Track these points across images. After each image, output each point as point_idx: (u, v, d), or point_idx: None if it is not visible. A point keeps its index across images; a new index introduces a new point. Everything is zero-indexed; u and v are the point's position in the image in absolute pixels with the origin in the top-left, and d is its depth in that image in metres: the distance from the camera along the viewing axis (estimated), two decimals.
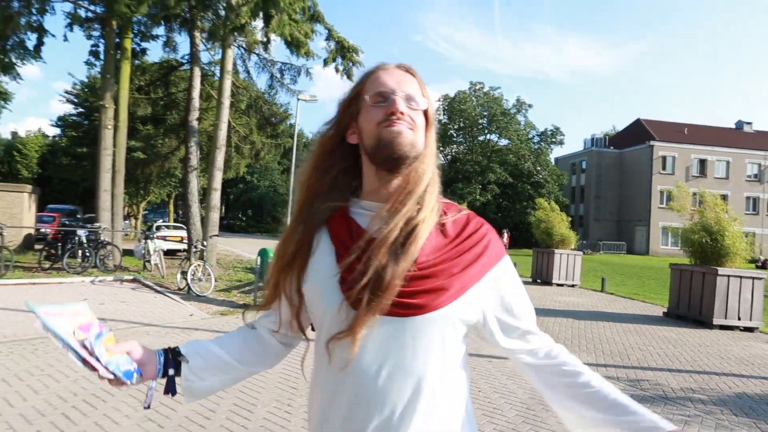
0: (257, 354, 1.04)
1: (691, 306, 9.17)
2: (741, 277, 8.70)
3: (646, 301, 11.85)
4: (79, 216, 26.08)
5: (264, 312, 1.04)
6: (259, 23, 13.69)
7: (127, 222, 28.07)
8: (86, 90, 27.75)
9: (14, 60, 10.47)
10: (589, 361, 5.79)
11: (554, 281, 13.97)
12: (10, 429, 3.32)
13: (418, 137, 0.89)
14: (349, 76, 14.78)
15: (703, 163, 43.00)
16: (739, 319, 8.65)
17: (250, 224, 46.55)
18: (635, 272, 21.28)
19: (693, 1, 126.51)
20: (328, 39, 14.39)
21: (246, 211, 51.45)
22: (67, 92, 28.74)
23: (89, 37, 12.71)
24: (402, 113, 0.87)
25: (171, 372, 0.95)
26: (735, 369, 5.89)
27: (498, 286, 0.92)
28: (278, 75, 17.06)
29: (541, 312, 9.08)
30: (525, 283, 10.40)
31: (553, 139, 40.26)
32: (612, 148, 46.90)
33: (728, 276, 8.67)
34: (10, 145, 39.98)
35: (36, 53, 10.75)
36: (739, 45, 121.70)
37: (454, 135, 40.04)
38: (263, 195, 47.43)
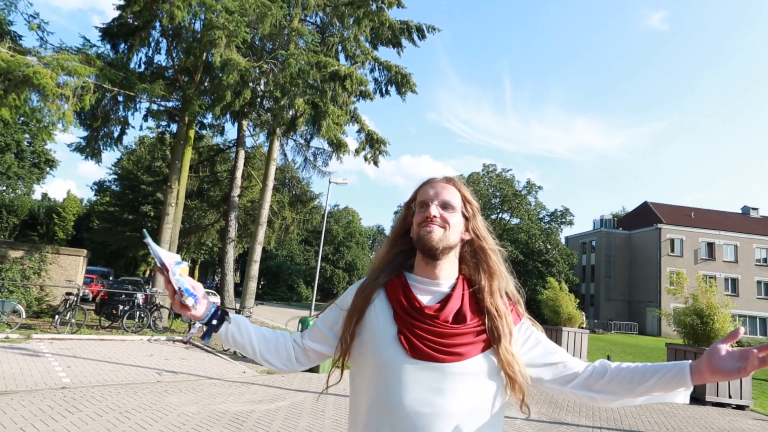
0: (276, 355, 1.25)
1: None
2: None
3: None
4: (112, 278, 27.73)
5: (309, 335, 1.27)
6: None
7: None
8: (130, 161, 30.39)
9: (102, 148, 12.57)
10: (587, 424, 6.85)
11: None
12: None
13: (450, 233, 1.15)
14: (375, 163, 16.71)
15: (711, 246, 43.90)
16: (730, 397, 9.53)
17: (266, 292, 47.63)
18: (644, 352, 21.80)
19: (703, 87, 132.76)
20: (359, 131, 16.49)
21: (260, 278, 52.72)
22: (114, 165, 31.38)
23: (158, 126, 14.88)
24: (435, 216, 1.14)
25: (214, 323, 1.17)
26: None
27: (526, 338, 1.16)
28: (311, 158, 19.15)
29: None
30: None
31: (563, 220, 41.87)
32: (621, 229, 48.23)
33: None
34: (50, 208, 42.65)
35: (118, 141, 12.84)
36: (745, 132, 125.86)
37: None
38: (281, 264, 48.91)
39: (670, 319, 11.32)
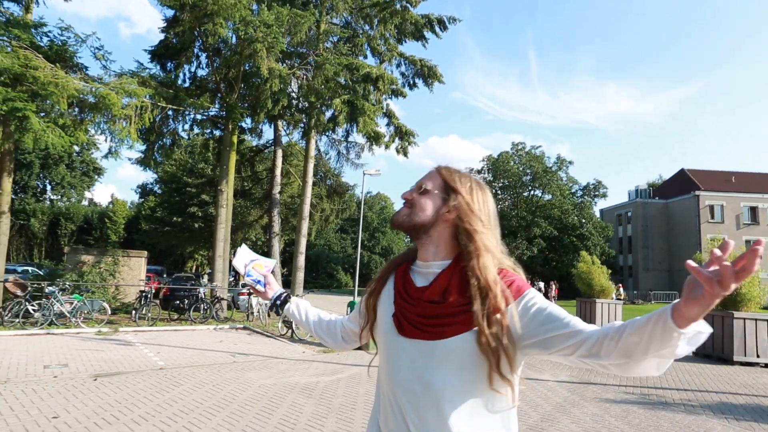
0: (327, 333, 1.54)
1: (714, 346, 10.64)
2: (756, 319, 10.17)
3: None
4: (165, 275, 29.79)
5: (351, 318, 1.49)
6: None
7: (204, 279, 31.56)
8: (173, 165, 32.06)
9: (158, 159, 13.92)
10: (614, 383, 7.61)
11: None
12: (232, 415, 5.68)
13: (414, 213, 1.23)
14: (405, 154, 17.52)
15: (754, 210, 42.75)
16: (758, 356, 10.04)
17: (307, 280, 49.37)
18: None
19: (735, 45, 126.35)
20: (389, 125, 17.30)
21: None
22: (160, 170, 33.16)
23: (202, 134, 16.11)
24: (406, 198, 1.26)
25: (278, 303, 1.59)
26: (736, 389, 7.46)
27: (526, 311, 1.11)
28: (344, 152, 20.10)
29: None
30: None
31: (596, 193, 41.60)
32: (657, 198, 47.40)
33: (744, 319, 10.17)
34: (102, 213, 45.46)
35: (170, 151, 14.14)
36: None
37: (499, 193, 42.23)
38: (319, 252, 50.56)
39: None
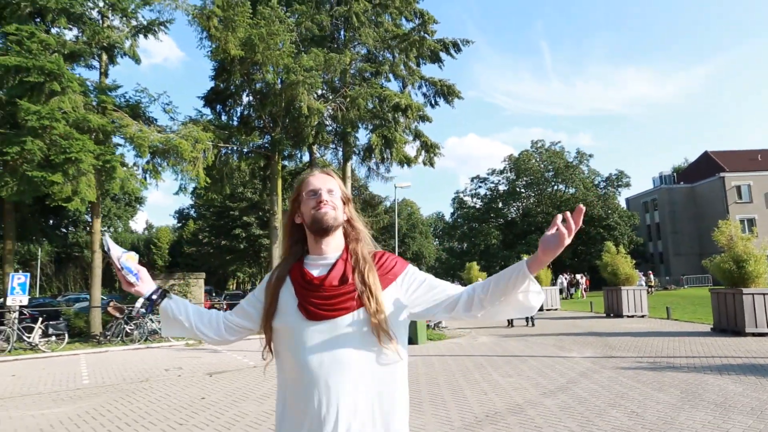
0: (208, 326, 1.52)
1: (728, 320, 11.79)
2: (764, 294, 11.30)
3: (705, 323, 14.24)
4: (215, 294, 31.99)
5: (236, 313, 1.53)
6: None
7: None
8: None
9: (216, 192, 15.88)
10: (632, 355, 8.93)
11: (624, 314, 16.58)
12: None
13: (338, 213, 1.41)
14: (432, 165, 19.07)
15: None
16: None
17: None
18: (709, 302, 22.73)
19: (756, 19, 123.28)
20: (415, 139, 18.89)
21: None
22: (190, 193, 35.51)
23: (249, 165, 18.02)
24: (326, 201, 1.39)
25: (154, 297, 1.47)
26: (740, 354, 8.65)
27: (409, 284, 1.39)
28: (374, 167, 21.78)
29: (608, 334, 12.10)
30: (598, 317, 13.87)
31: (619, 183, 42.22)
32: (682, 183, 47.58)
33: (752, 294, 11.31)
34: (148, 240, 48.38)
35: (227, 183, 16.06)
36: None
37: (523, 190, 43.29)
38: None
39: (708, 267, 12.90)
